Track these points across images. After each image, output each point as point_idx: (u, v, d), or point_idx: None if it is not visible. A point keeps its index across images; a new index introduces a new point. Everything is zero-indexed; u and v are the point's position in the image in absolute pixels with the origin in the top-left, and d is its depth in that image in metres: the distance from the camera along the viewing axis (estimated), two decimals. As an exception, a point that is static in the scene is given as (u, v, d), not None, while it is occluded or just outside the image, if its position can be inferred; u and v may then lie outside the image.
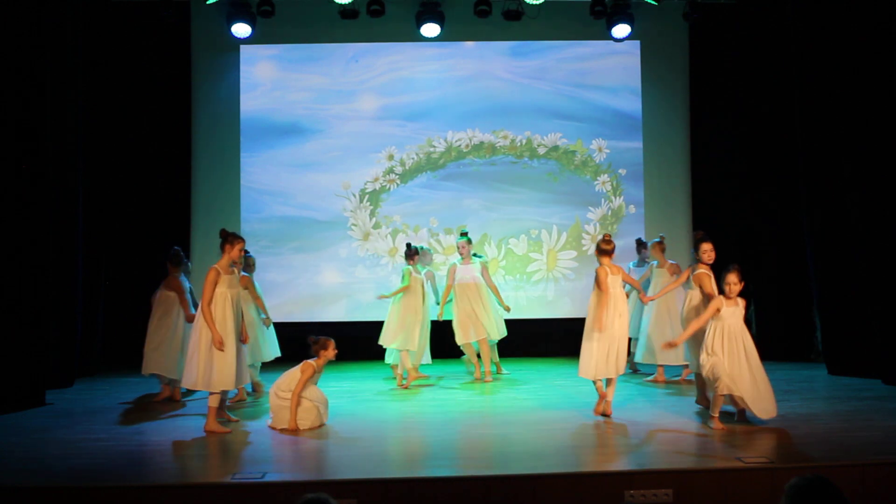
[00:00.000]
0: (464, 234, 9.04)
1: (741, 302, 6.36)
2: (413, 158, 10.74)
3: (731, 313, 6.28)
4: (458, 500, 4.83)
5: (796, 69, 9.17)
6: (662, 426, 6.39)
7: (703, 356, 6.27)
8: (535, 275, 10.77)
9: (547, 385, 8.46)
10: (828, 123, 8.81)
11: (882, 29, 8.10)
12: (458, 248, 9.01)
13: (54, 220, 8.25)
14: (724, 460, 5.29)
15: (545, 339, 10.71)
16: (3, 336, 7.39)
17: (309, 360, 6.57)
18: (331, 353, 6.60)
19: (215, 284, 6.37)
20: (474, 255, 9.10)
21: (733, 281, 6.29)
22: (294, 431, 6.31)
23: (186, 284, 8.12)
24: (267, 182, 10.66)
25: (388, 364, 8.83)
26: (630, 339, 7.91)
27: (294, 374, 6.54)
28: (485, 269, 9.02)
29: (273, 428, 6.45)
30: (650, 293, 8.24)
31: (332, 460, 5.68)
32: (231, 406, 7.20)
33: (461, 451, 5.85)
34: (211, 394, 6.42)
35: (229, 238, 6.60)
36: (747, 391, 6.12)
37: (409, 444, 6.10)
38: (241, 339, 6.57)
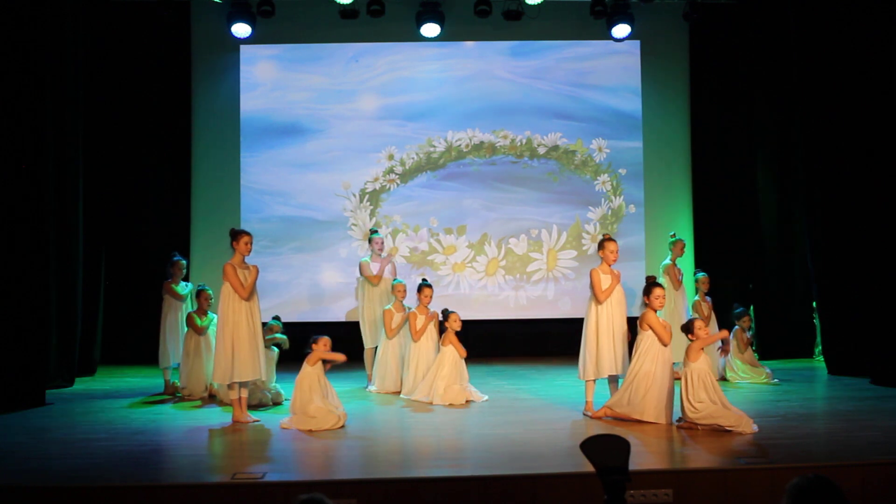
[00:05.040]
0: (375, 231, 9.00)
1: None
2: (413, 158, 10.74)
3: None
4: (458, 500, 4.82)
5: (796, 69, 9.17)
6: (662, 426, 6.38)
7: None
8: (535, 275, 10.77)
9: (547, 385, 8.46)
10: (828, 123, 8.81)
11: (882, 29, 8.10)
12: (375, 243, 8.77)
13: (54, 220, 8.26)
14: (724, 460, 5.29)
15: (545, 339, 10.71)
16: (3, 336, 7.39)
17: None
18: (321, 347, 6.62)
19: (234, 276, 6.69)
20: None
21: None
22: (305, 432, 6.32)
23: (182, 291, 8.51)
24: (267, 182, 10.66)
25: None
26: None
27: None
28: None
29: (286, 427, 6.47)
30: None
31: (332, 460, 5.67)
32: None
33: (461, 451, 5.84)
34: (230, 387, 6.72)
35: (235, 234, 6.87)
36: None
37: (409, 444, 6.10)
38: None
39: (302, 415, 6.44)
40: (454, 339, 7.66)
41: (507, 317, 10.72)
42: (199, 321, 8.01)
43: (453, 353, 7.65)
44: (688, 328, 6.43)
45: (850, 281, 8.65)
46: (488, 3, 10.21)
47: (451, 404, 7.38)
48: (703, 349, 6.33)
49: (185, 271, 8.64)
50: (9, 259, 7.48)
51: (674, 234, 9.08)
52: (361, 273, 8.72)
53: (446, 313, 7.78)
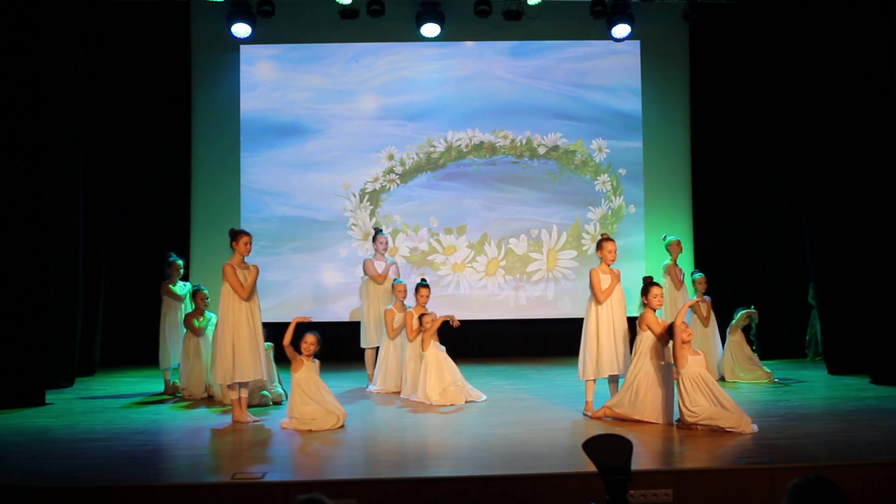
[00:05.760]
0: (379, 230, 8.97)
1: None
2: (413, 158, 10.74)
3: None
4: (458, 500, 4.82)
5: (796, 69, 9.16)
6: (661, 426, 6.38)
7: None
8: (535, 275, 10.77)
9: (547, 385, 8.46)
10: (828, 123, 8.81)
11: (882, 29, 8.11)
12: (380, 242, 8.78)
13: (54, 220, 8.26)
14: (724, 460, 5.29)
15: (545, 339, 10.71)
16: (3, 336, 7.39)
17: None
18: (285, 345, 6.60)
19: (234, 277, 6.68)
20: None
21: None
22: (305, 432, 6.31)
23: (180, 291, 8.45)
24: (267, 182, 10.66)
25: None
26: None
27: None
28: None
29: (286, 427, 6.47)
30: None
31: (332, 460, 5.67)
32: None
33: (461, 451, 5.84)
34: (230, 387, 6.71)
35: (234, 234, 6.87)
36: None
37: (410, 444, 6.10)
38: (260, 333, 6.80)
39: (301, 416, 6.44)
40: (431, 332, 7.68)
41: (507, 317, 10.72)
42: (196, 322, 8.01)
43: (435, 356, 7.64)
44: (671, 333, 6.40)
45: (850, 281, 8.65)
46: (488, 3, 10.21)
47: (450, 404, 7.38)
48: (691, 349, 6.30)
49: (182, 271, 8.62)
50: (9, 259, 7.48)
51: (665, 237, 9.10)
52: (366, 272, 8.71)
53: (421, 317, 7.80)
